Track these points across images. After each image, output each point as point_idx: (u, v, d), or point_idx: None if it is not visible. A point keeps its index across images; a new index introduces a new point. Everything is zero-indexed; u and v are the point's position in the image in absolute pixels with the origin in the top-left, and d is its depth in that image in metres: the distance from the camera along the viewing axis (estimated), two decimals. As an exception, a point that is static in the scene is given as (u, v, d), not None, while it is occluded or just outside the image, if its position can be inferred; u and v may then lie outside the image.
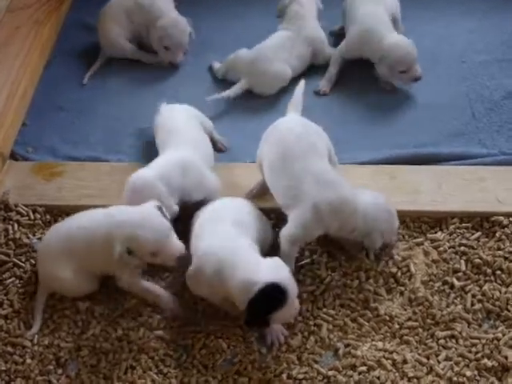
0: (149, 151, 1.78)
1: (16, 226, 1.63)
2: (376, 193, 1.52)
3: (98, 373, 1.39)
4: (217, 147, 1.77)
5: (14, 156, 1.82)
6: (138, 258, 1.42)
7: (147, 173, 1.52)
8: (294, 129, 1.53)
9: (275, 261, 1.36)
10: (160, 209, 1.43)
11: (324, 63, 2.00)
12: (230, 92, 1.87)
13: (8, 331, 1.45)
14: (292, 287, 1.33)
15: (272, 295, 1.29)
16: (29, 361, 1.40)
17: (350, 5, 2.01)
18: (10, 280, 1.54)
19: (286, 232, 1.45)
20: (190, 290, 1.43)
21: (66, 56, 2.06)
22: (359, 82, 1.97)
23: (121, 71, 2.04)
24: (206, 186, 1.54)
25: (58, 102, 1.95)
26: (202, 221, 1.45)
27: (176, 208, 1.51)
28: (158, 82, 2.02)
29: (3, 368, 1.39)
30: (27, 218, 1.66)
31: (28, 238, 1.60)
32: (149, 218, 1.41)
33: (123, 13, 2.02)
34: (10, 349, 1.42)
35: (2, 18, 1.82)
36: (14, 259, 1.57)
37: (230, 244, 1.38)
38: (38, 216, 1.66)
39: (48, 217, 1.65)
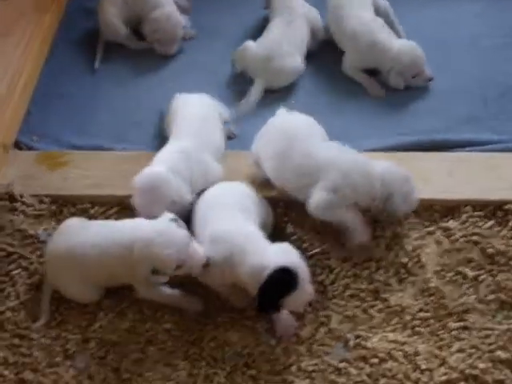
0: (153, 139, 1.77)
1: (22, 216, 1.62)
2: (390, 162, 1.52)
3: (105, 365, 1.38)
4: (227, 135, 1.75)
5: (18, 145, 1.79)
6: (163, 275, 1.38)
7: (157, 169, 1.50)
8: (292, 120, 1.57)
9: (284, 246, 1.35)
10: (175, 220, 1.39)
11: (323, 39, 1.97)
12: (252, 97, 1.83)
13: (15, 323, 1.44)
14: (302, 271, 1.32)
15: (282, 279, 1.28)
16: (36, 353, 1.39)
17: (337, 16, 1.92)
18: (17, 271, 1.52)
19: (317, 201, 1.45)
20: (199, 280, 1.42)
21: (69, 43, 2.03)
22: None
23: (125, 59, 2.00)
24: (209, 175, 1.53)
25: (63, 90, 1.93)
26: (206, 207, 1.44)
27: (190, 197, 1.50)
28: (161, 69, 1.99)
29: (11, 360, 1.38)
30: (33, 208, 1.64)
31: (36, 232, 1.58)
32: (167, 233, 1.36)
33: None
34: (17, 341, 1.41)
35: (3, 6, 1.78)
36: (20, 250, 1.56)
37: (240, 230, 1.36)
38: (44, 206, 1.64)
39: (54, 207, 1.63)
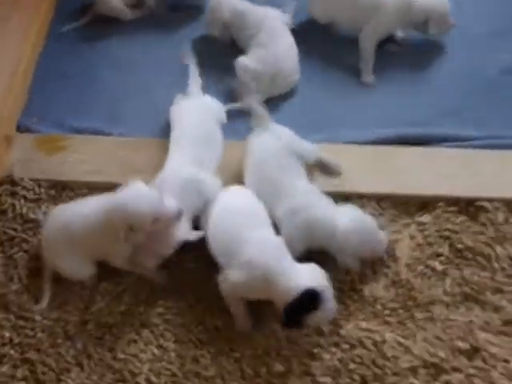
0: (152, 124, 1.82)
1: (22, 200, 1.72)
2: (357, 212, 1.55)
3: (102, 345, 1.51)
4: None
5: (18, 127, 1.86)
6: (141, 232, 1.50)
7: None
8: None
9: (312, 267, 1.45)
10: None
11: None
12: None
13: (19, 305, 1.56)
14: (327, 291, 1.42)
15: (307, 301, 1.39)
16: (39, 334, 1.53)
17: None
18: (19, 255, 1.64)
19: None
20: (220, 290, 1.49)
21: (66, 26, 2.06)
22: (354, 60, 1.95)
23: (125, 41, 2.04)
24: (204, 194, 1.57)
25: (62, 73, 1.98)
26: (231, 224, 1.50)
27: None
28: (160, 48, 2.02)
29: (16, 341, 1.52)
30: (32, 192, 1.73)
31: (34, 213, 1.69)
32: (138, 192, 1.49)
33: None
34: (22, 322, 1.54)
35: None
36: (22, 234, 1.67)
37: (273, 250, 1.45)
38: (43, 190, 1.73)
39: (53, 192, 1.73)
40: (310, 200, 1.56)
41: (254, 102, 1.73)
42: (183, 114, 1.70)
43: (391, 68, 1.96)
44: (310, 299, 1.39)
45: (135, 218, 1.47)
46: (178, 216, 1.50)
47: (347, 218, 1.52)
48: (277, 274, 1.41)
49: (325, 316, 1.44)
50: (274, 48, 1.87)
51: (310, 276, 1.42)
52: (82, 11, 2.11)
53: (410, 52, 1.99)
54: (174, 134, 1.65)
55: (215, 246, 1.52)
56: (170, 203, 1.50)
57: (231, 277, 1.46)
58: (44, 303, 1.55)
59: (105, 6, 2.06)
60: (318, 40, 2.02)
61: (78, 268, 1.57)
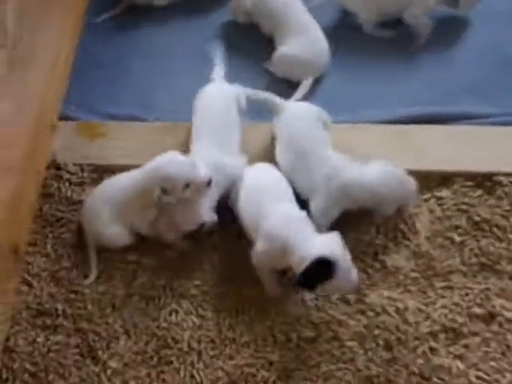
0: (184, 108, 1.88)
1: (67, 184, 1.85)
2: (383, 162, 1.67)
3: (147, 315, 1.65)
4: None
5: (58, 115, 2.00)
6: (174, 195, 1.64)
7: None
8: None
9: (330, 236, 1.54)
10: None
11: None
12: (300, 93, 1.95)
13: (70, 280, 1.70)
14: (343, 261, 1.50)
15: (319, 269, 1.48)
16: (89, 306, 1.66)
17: None
18: (67, 235, 1.78)
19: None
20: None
21: (98, 13, 2.16)
22: (368, 42, 2.04)
23: (154, 27, 2.15)
24: (230, 176, 1.69)
25: (97, 62, 2.09)
26: (258, 199, 1.61)
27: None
28: (189, 35, 2.13)
29: (69, 312, 1.66)
30: (76, 176, 1.86)
31: (79, 195, 1.82)
32: (172, 158, 1.65)
33: None
34: (73, 296, 1.68)
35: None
36: (68, 215, 1.80)
37: (294, 220, 1.57)
38: (86, 174, 1.86)
39: (95, 175, 1.85)
40: (343, 164, 1.67)
41: (269, 95, 1.83)
42: (203, 101, 1.80)
43: (407, 47, 2.03)
44: (322, 267, 1.49)
45: (169, 180, 1.62)
46: (208, 183, 1.64)
47: (378, 172, 1.64)
48: (294, 244, 1.53)
49: (342, 284, 1.53)
50: (306, 34, 1.97)
51: (325, 245, 1.51)
52: (115, 1, 2.21)
53: (434, 30, 2.04)
54: (196, 121, 1.77)
55: (245, 222, 1.65)
56: (203, 171, 1.64)
57: (257, 248, 1.59)
58: (92, 277, 1.70)
59: None
60: (340, 26, 2.11)
61: (117, 236, 1.71)
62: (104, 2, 2.20)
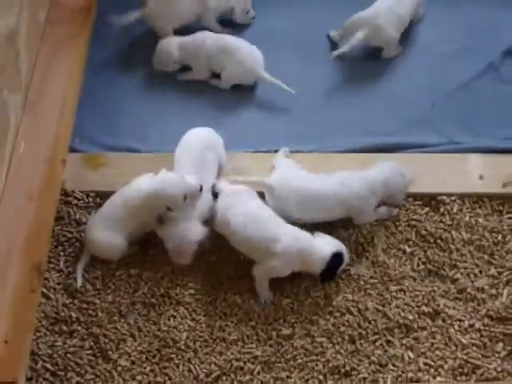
0: (173, 142, 2.16)
1: (75, 208, 2.13)
2: (391, 163, 2.05)
3: (149, 320, 1.94)
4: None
5: (63, 147, 2.28)
6: (176, 209, 1.95)
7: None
8: None
9: (325, 237, 1.95)
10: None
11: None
12: (348, 45, 2.34)
13: (81, 292, 1.98)
14: (342, 248, 1.94)
15: (336, 261, 1.92)
16: (100, 314, 1.95)
17: None
18: (76, 252, 2.04)
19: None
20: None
21: (99, 60, 2.44)
22: (331, 78, 2.39)
23: (148, 70, 2.43)
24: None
25: (96, 98, 2.35)
26: (257, 229, 1.91)
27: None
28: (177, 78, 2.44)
29: (82, 320, 1.94)
30: (82, 201, 2.14)
31: (85, 218, 2.10)
32: (165, 179, 1.95)
33: None
34: (85, 305, 1.96)
35: (44, 32, 2.20)
36: (77, 235, 2.08)
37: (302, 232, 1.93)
38: (91, 199, 2.14)
39: (99, 200, 2.14)
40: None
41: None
42: (185, 140, 2.10)
43: (369, 84, 2.38)
44: (337, 260, 1.92)
45: (170, 199, 1.94)
46: (200, 189, 1.95)
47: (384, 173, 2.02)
48: (308, 253, 1.90)
49: (346, 261, 1.96)
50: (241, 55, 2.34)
51: (329, 244, 1.93)
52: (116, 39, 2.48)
53: (387, 70, 2.41)
54: (176, 156, 2.07)
55: (246, 249, 1.95)
56: (192, 180, 1.96)
57: (271, 264, 1.89)
58: (79, 282, 1.96)
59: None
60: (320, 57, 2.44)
61: (117, 247, 1.99)
62: (105, 44, 2.46)
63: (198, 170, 2.03)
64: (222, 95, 2.37)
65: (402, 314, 1.92)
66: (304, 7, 2.59)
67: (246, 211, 1.95)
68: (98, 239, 1.99)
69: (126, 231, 2.01)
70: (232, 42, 2.39)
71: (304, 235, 1.95)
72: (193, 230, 1.97)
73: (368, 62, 2.43)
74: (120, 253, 2.02)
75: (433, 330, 1.90)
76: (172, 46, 2.39)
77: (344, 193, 1.99)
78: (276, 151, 2.17)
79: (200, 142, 2.09)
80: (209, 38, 2.39)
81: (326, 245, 1.93)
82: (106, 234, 1.99)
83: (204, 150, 2.08)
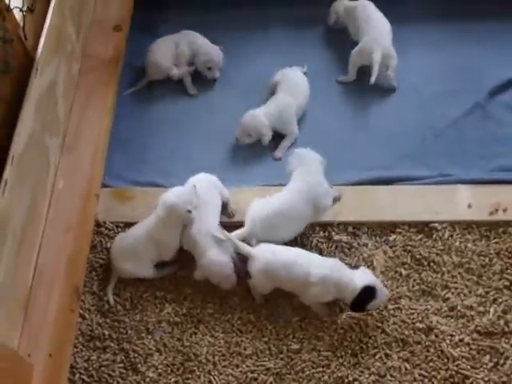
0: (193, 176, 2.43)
1: (106, 238, 2.39)
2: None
3: (173, 337, 2.18)
4: (226, 212, 2.34)
5: (93, 183, 2.54)
6: (190, 222, 2.21)
7: None
8: None
9: (363, 270, 2.13)
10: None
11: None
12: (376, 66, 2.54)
13: (113, 312, 2.23)
14: (378, 284, 2.09)
15: (365, 295, 2.07)
16: (129, 331, 2.19)
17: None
18: (108, 277, 2.30)
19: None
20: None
21: (126, 103, 2.70)
22: (331, 116, 2.62)
23: (174, 106, 2.69)
24: None
25: (123, 137, 2.61)
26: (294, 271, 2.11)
27: None
28: (196, 110, 2.68)
29: (114, 336, 2.18)
30: (113, 231, 2.40)
31: (115, 246, 2.37)
32: (178, 192, 2.22)
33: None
34: (116, 324, 2.21)
35: (78, 82, 2.48)
36: (108, 262, 2.33)
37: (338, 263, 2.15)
38: (120, 230, 2.39)
39: (127, 229, 2.39)
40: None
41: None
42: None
43: (365, 122, 2.60)
44: (367, 293, 2.07)
45: (183, 216, 2.19)
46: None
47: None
48: (344, 282, 2.09)
49: (381, 299, 2.10)
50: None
51: (364, 277, 2.10)
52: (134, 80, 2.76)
53: (379, 110, 2.63)
54: None
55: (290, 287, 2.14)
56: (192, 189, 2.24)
57: (312, 293, 2.10)
58: (111, 300, 2.21)
59: (155, 68, 2.68)
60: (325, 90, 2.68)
61: (142, 270, 2.25)
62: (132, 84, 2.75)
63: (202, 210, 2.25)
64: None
65: (399, 329, 2.14)
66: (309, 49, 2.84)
67: (282, 262, 2.12)
68: (127, 268, 2.23)
69: (149, 259, 2.24)
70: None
71: (342, 267, 2.14)
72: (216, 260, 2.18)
73: (364, 103, 2.65)
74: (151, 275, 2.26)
75: (427, 344, 2.11)
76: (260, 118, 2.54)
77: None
78: (281, 185, 2.36)
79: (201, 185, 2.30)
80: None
81: (361, 278, 2.09)
82: (133, 264, 2.23)
83: (208, 192, 2.30)
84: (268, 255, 2.14)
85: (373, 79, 2.53)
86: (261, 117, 2.52)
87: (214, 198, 2.31)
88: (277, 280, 2.14)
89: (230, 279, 2.19)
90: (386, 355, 2.10)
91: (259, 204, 2.25)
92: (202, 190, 2.27)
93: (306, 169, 2.27)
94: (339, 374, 2.07)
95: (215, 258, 2.17)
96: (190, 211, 2.19)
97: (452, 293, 2.19)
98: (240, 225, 2.27)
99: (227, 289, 2.19)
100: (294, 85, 2.60)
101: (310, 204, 2.23)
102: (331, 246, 2.29)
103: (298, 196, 2.23)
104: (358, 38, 2.68)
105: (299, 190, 2.23)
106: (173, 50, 2.72)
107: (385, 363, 2.08)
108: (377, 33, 2.62)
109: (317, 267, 2.11)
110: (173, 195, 2.22)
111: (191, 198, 2.21)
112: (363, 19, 2.67)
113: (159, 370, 2.12)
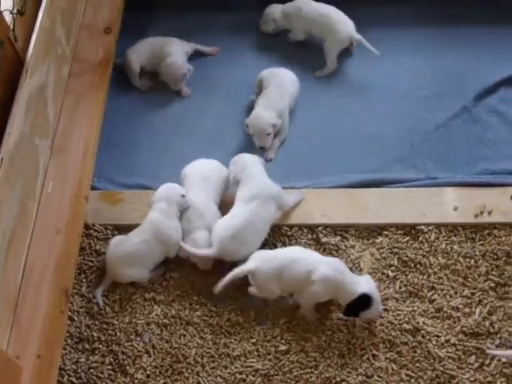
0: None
1: (95, 240, 2.40)
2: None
3: (162, 339, 2.19)
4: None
5: (83, 185, 2.55)
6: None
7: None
8: None
9: (366, 278, 2.15)
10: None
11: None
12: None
13: (102, 314, 2.24)
14: (376, 296, 2.11)
15: (361, 302, 2.09)
16: (118, 333, 2.20)
17: None
18: (97, 279, 2.31)
19: None
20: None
21: (116, 107, 2.70)
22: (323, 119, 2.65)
23: (162, 111, 2.72)
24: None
25: (113, 140, 2.63)
26: (299, 267, 2.14)
27: None
28: (187, 117, 2.70)
29: (103, 338, 2.19)
30: (102, 233, 2.41)
31: (104, 248, 2.37)
32: (168, 184, 2.34)
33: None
34: (105, 325, 2.21)
35: (67, 84, 2.49)
36: (97, 264, 2.35)
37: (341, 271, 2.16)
38: (109, 232, 2.41)
39: (116, 232, 2.40)
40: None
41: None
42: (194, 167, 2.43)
43: (355, 126, 2.62)
44: (364, 300, 2.09)
45: (180, 200, 2.29)
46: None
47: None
48: (344, 284, 2.11)
49: (375, 312, 2.12)
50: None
51: (366, 286, 2.12)
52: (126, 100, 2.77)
53: (368, 114, 2.66)
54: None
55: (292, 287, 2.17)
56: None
57: (312, 290, 2.11)
58: (100, 302, 2.23)
59: (127, 65, 2.74)
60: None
61: (140, 273, 2.27)
62: (122, 91, 2.77)
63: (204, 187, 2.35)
64: (229, 137, 2.63)
65: (386, 330, 2.16)
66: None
67: (283, 263, 2.14)
68: (122, 272, 2.26)
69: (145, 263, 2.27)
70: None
71: (345, 268, 2.17)
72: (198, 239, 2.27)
73: (352, 106, 2.68)
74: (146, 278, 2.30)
75: (413, 344, 2.13)
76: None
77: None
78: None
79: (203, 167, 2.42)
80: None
81: (363, 284, 2.11)
82: (128, 268, 2.26)
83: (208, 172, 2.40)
84: (268, 263, 2.17)
85: (372, 48, 2.66)
86: (268, 114, 2.55)
87: (214, 176, 2.39)
88: (280, 280, 2.15)
89: (207, 261, 2.25)
90: (374, 356, 2.12)
91: (223, 222, 2.27)
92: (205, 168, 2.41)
93: (250, 173, 2.32)
94: (327, 375, 2.09)
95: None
96: (183, 195, 2.31)
97: (438, 294, 2.22)
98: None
99: (204, 270, 2.26)
100: (281, 82, 2.64)
101: (270, 206, 2.27)
102: (319, 248, 2.30)
103: (255, 203, 2.25)
104: (316, 34, 2.78)
105: (251, 196, 2.26)
106: (147, 53, 2.78)
107: (372, 364, 2.11)
108: (337, 17, 2.73)
109: (321, 266, 2.13)
110: (164, 185, 2.36)
111: (180, 187, 2.35)
112: (314, 15, 2.77)
113: (148, 372, 2.12)
